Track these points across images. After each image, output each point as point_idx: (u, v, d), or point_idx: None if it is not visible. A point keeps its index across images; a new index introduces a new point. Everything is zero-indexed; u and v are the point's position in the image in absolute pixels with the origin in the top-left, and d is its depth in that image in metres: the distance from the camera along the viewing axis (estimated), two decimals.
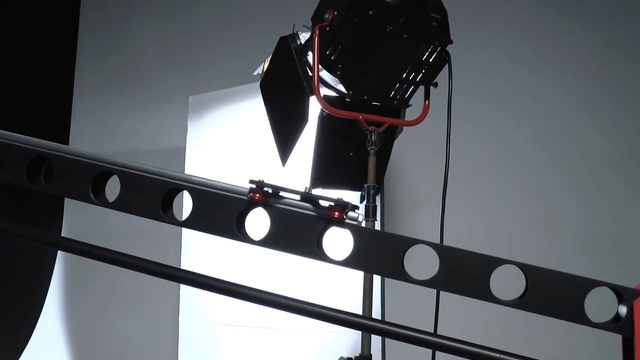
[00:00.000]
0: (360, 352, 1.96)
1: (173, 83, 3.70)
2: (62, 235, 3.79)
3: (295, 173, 2.43)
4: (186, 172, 2.89)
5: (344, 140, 1.94)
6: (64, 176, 0.93)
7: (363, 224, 1.84)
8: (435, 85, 1.91)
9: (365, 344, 1.87)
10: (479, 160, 3.17)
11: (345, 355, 1.93)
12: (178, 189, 1.02)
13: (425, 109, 1.93)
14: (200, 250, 2.82)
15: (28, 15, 3.74)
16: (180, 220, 1.00)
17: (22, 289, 3.69)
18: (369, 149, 1.83)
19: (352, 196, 2.43)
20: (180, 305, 2.78)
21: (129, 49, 3.92)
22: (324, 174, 1.96)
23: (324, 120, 1.88)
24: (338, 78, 1.80)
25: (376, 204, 1.85)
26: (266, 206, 0.98)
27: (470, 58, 2.83)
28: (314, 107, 1.87)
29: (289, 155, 1.93)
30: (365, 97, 1.82)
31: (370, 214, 1.83)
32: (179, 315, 2.78)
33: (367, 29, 1.72)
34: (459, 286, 1.00)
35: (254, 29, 3.47)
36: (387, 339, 2.37)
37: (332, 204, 0.99)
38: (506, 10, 3.24)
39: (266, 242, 0.96)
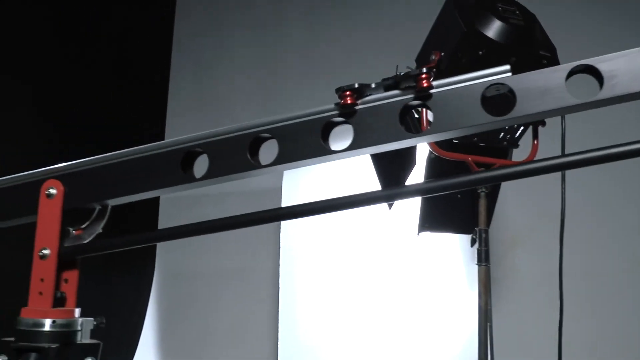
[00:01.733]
0: None
1: None
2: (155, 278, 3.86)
3: (402, 217, 2.42)
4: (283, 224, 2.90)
5: None
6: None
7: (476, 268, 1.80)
8: (544, 124, 1.85)
9: None
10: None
11: None
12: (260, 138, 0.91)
13: (535, 149, 1.87)
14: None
15: (121, 63, 3.89)
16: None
17: (118, 330, 3.77)
18: (479, 191, 1.79)
19: (462, 240, 2.39)
20: (279, 346, 2.77)
21: (218, 91, 4.01)
22: (432, 217, 1.93)
23: (432, 162, 1.86)
24: None
25: (488, 247, 1.79)
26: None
27: None
28: (421, 150, 1.85)
29: (394, 201, 1.91)
30: (475, 138, 1.78)
31: (482, 258, 1.78)
32: (277, 357, 2.78)
33: (476, 70, 1.69)
34: None
35: (346, 72, 3.48)
36: None
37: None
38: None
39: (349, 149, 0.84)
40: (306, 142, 0.88)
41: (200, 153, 0.90)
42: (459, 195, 1.93)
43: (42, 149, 3.36)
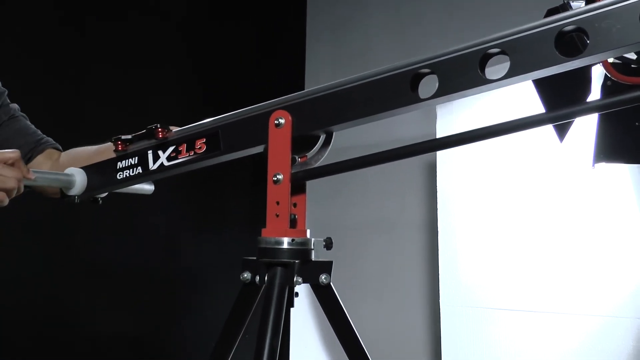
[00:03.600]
0: None
1: None
2: None
3: (572, 150, 2.36)
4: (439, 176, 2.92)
5: (631, 109, 1.83)
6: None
7: None
8: None
9: None
10: None
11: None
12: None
13: None
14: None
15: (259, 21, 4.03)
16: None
17: None
18: None
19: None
20: (441, 288, 2.81)
21: (356, 45, 4.04)
22: (608, 147, 1.87)
23: (608, 89, 1.79)
24: None
25: None
26: None
27: None
28: (596, 76, 1.80)
29: (567, 131, 1.87)
30: None
31: None
32: (439, 299, 2.82)
33: None
34: None
35: (491, 17, 3.39)
36: None
37: None
38: None
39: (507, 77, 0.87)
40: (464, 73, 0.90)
41: (428, 74, 0.94)
42: (637, 123, 1.86)
43: (195, 104, 3.61)
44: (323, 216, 3.64)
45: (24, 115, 1.55)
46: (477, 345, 2.69)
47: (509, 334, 2.60)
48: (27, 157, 1.52)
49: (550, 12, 1.89)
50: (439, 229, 2.86)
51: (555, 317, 2.48)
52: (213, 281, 4.39)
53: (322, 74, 4.19)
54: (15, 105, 1.59)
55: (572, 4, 1.93)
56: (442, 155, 2.92)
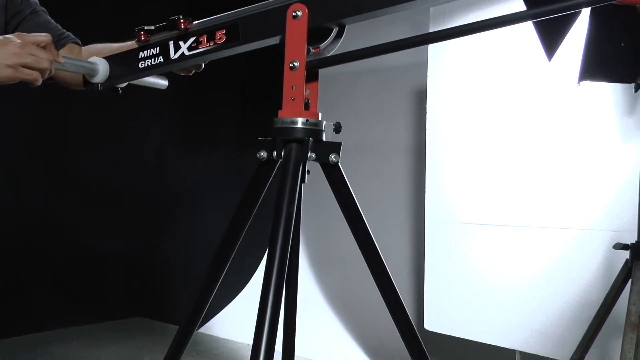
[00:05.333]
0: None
1: None
2: None
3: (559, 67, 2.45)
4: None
5: (617, 30, 1.93)
6: None
7: None
8: None
9: None
10: None
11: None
12: None
13: None
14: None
15: None
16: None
17: None
18: None
19: (618, 92, 2.42)
20: (426, 204, 2.95)
21: None
22: (594, 65, 1.98)
23: (598, 9, 1.89)
24: None
25: None
26: None
27: None
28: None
29: (556, 48, 1.96)
30: None
31: None
32: (424, 215, 2.96)
33: None
34: None
35: None
36: None
37: None
38: None
39: None
40: None
41: None
42: (622, 44, 1.96)
43: None
44: None
45: (44, 9, 1.62)
46: (459, 259, 2.85)
47: (490, 248, 2.76)
48: None
49: None
50: (426, 150, 2.98)
51: (533, 230, 2.64)
52: (201, 199, 4.51)
53: None
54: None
55: None
56: (432, 81, 3.02)
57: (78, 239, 4.07)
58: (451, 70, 2.93)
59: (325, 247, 4.10)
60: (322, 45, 1.18)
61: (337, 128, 1.19)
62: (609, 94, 2.45)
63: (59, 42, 1.58)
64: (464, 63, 2.89)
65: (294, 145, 1.11)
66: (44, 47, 1.23)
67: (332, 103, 3.90)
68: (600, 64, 2.00)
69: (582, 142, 2.54)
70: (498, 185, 2.75)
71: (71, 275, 4.09)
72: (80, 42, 1.65)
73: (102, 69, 1.36)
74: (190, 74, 1.47)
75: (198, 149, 4.59)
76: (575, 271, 2.52)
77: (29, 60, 1.20)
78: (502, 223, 2.72)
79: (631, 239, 2.08)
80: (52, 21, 1.64)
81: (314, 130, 1.13)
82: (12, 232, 3.68)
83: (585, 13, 1.92)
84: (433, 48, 2.98)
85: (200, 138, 4.62)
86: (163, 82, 1.51)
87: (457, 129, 2.90)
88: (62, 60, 1.27)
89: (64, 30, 1.64)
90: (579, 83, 2.02)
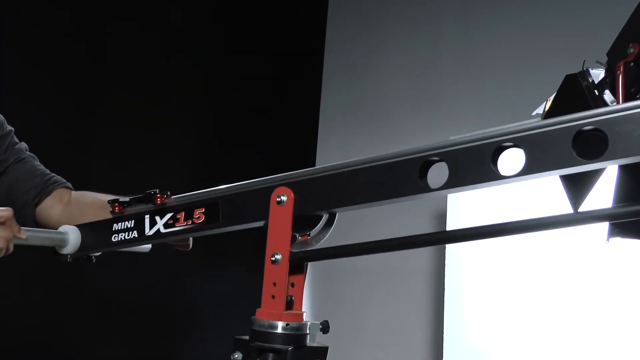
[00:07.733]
0: None
1: (414, 122, 3.71)
2: None
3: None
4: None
5: None
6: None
7: None
8: None
9: None
10: None
11: None
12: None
13: None
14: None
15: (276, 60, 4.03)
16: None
17: None
18: None
19: None
20: (444, 347, 2.75)
21: (370, 93, 4.02)
22: (624, 222, 1.81)
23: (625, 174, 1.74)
24: None
25: None
26: None
27: None
28: None
29: (583, 199, 1.82)
30: None
31: None
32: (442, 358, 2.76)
33: None
34: None
35: (504, 75, 3.37)
36: None
37: None
38: None
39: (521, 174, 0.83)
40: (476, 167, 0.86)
41: (438, 161, 0.89)
42: None
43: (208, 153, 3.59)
44: (326, 262, 3.59)
45: (33, 155, 1.53)
46: None
47: None
48: (36, 201, 1.49)
49: (569, 78, 1.86)
50: (445, 286, 2.80)
51: None
52: (212, 316, 4.33)
53: (336, 116, 4.18)
54: (23, 145, 1.57)
55: (591, 71, 1.90)
56: (451, 208, 2.88)
57: (82, 348, 3.90)
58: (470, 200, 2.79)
59: None
60: (312, 232, 1.05)
61: (325, 328, 1.03)
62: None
63: (45, 191, 1.49)
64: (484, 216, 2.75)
65: (270, 355, 0.96)
66: (3, 223, 1.12)
67: (348, 222, 3.78)
68: (631, 221, 1.84)
69: (613, 298, 2.37)
70: (523, 334, 2.54)
71: None
72: (70, 186, 1.56)
73: (72, 239, 1.24)
74: (189, 249, 1.36)
75: (211, 262, 4.46)
76: None
77: None
78: None
79: None
80: (40, 167, 1.55)
81: (296, 335, 0.98)
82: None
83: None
84: (452, 198, 2.86)
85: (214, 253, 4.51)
86: (145, 246, 1.38)
87: (478, 266, 2.73)
88: (24, 235, 1.16)
89: (52, 175, 1.55)
90: (608, 240, 1.85)
